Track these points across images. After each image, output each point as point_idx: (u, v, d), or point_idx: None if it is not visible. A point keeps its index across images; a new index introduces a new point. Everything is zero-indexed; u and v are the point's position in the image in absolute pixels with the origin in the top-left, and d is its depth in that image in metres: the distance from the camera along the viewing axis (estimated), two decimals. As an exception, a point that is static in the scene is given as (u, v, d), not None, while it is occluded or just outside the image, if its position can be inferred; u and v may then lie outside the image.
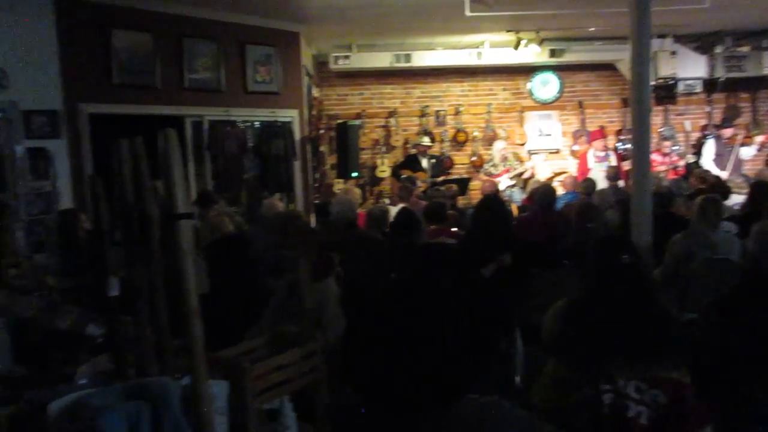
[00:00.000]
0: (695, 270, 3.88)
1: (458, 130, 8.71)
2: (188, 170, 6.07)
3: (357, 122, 7.92)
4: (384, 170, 8.44)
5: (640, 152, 4.09)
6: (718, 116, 8.54)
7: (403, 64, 8.14)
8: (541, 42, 7.55)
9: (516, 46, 7.51)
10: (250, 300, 2.68)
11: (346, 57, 8.11)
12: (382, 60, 8.16)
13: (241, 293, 2.67)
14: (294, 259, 3.02)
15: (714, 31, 7.95)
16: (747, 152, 7.86)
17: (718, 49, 8.05)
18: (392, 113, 8.74)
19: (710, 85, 8.29)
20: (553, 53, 8.03)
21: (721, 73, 8.04)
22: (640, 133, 4.07)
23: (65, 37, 5.57)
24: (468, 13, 5.97)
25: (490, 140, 8.63)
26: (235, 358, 1.48)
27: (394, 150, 8.72)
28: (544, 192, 5.03)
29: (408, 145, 8.65)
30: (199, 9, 6.16)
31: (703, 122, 8.67)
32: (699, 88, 8.22)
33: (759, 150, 8.13)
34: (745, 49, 8.12)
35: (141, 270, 1.42)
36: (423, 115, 8.73)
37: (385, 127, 8.78)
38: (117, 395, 1.25)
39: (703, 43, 8.18)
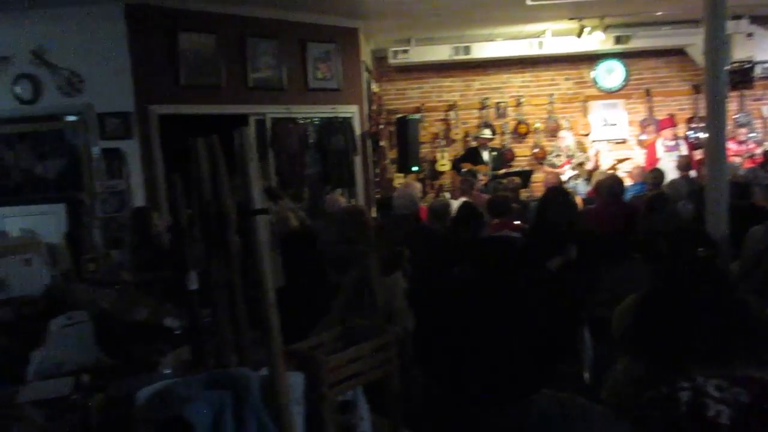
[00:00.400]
0: (777, 263, 3.69)
1: (519, 122, 8.57)
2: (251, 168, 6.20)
3: (416, 116, 7.90)
4: (444, 164, 8.40)
5: (715, 140, 3.91)
6: (798, 101, 8.10)
7: (462, 57, 8.07)
8: (605, 29, 7.33)
9: (579, 34, 7.32)
10: (316, 295, 2.73)
11: (405, 51, 8.10)
12: (441, 53, 8.11)
13: (307, 288, 2.71)
14: (360, 254, 3.05)
15: (794, 10, 7.53)
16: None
17: (799, 29, 7.62)
18: (452, 106, 8.68)
19: (790, 67, 7.87)
20: (618, 40, 7.79)
21: (802, 55, 7.62)
22: (714, 120, 3.89)
23: (135, 41, 5.80)
24: (529, 2, 5.87)
25: (552, 131, 8.45)
26: (311, 351, 1.51)
27: (454, 143, 8.67)
28: (612, 183, 4.89)
29: (468, 138, 8.58)
30: (260, 9, 6.29)
31: (782, 107, 8.24)
32: (778, 72, 7.81)
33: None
34: (828, 27, 7.66)
35: (219, 265, 1.46)
36: (483, 107, 8.63)
37: (445, 120, 8.73)
38: (200, 385, 1.30)
39: (782, 23, 7.77)
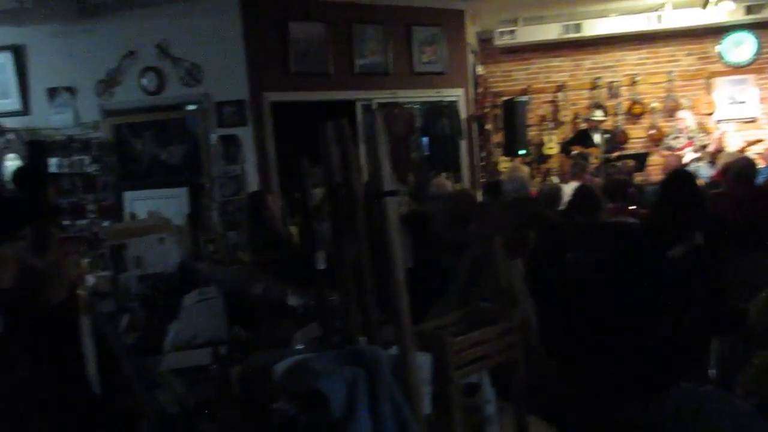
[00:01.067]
0: None
1: (634, 102, 8.11)
2: (360, 152, 6.34)
3: (524, 98, 7.70)
4: (552, 147, 8.13)
5: None
6: None
7: (572, 35, 7.74)
8: None
9: (704, 5, 6.80)
10: (430, 277, 2.73)
11: (512, 32, 7.89)
12: (549, 32, 7.83)
13: (422, 270, 2.72)
14: (475, 237, 3.02)
15: None
16: None
17: None
18: (560, 87, 8.37)
19: None
20: (749, 10, 7.16)
21: None
22: None
23: (249, 32, 6.04)
24: None
25: (670, 111, 7.93)
26: (438, 331, 1.51)
27: (563, 126, 8.36)
28: (743, 165, 4.52)
29: (578, 120, 8.24)
30: (367, -5, 6.34)
31: None
32: None
33: None
34: None
35: (348, 245, 1.50)
36: (594, 87, 8.25)
37: (553, 102, 8.44)
38: (334, 361, 1.34)
39: None
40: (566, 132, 8.25)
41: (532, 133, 8.17)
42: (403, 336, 1.36)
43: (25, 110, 6.66)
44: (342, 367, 1.31)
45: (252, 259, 4.95)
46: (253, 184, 6.11)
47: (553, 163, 8.11)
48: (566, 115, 8.29)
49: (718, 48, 7.90)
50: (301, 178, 1.65)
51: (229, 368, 1.60)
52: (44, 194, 4.44)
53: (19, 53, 6.57)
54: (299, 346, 1.63)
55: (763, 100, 7.86)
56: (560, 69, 8.40)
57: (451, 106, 6.81)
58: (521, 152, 7.33)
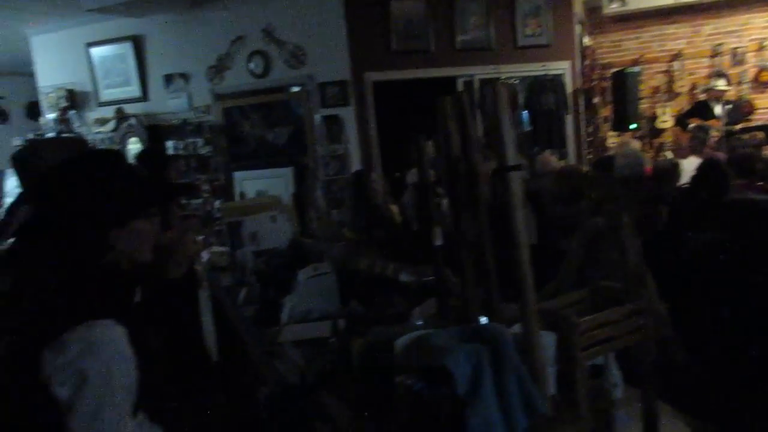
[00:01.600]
0: None
1: (761, 69, 7.43)
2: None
3: (635, 69, 7.26)
4: (665, 120, 7.64)
5: None
6: None
7: (690, -1, 7.20)
8: None
9: None
10: (542, 255, 2.65)
11: (622, -1, 7.45)
12: (664, -3, 7.32)
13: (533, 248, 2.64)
14: (587, 214, 2.90)
15: None
16: None
17: None
18: (676, 56, 7.81)
19: None
20: None
21: None
22: None
23: (351, 11, 6.09)
24: None
25: None
26: (564, 311, 1.46)
27: (678, 97, 7.82)
28: None
29: (696, 91, 7.68)
30: (470, -33, 6.20)
31: None
32: None
33: None
34: None
35: (468, 221, 1.47)
36: (715, 55, 7.63)
37: (667, 72, 7.90)
38: (457, 337, 1.33)
39: None
40: (682, 104, 7.72)
41: (643, 105, 7.71)
42: (527, 314, 1.33)
43: (144, 96, 7.11)
44: (466, 344, 1.29)
45: (356, 236, 5.04)
46: (355, 163, 6.20)
47: (667, 138, 7.63)
48: (682, 86, 7.75)
49: None
50: (407, 156, 1.64)
51: (350, 342, 1.63)
52: (166, 175, 4.74)
53: (138, 43, 7.00)
54: (419, 322, 1.64)
55: None
56: (676, 36, 7.83)
57: (556, 80, 6.55)
58: (632, 126, 6.94)
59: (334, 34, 6.14)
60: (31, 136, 7.76)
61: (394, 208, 5.27)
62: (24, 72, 9.05)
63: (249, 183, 6.83)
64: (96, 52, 7.18)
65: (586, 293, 1.64)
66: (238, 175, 6.85)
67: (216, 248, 6.57)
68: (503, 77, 6.37)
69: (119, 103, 7.12)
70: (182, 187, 3.96)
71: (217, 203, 6.90)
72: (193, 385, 1.70)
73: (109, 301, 1.46)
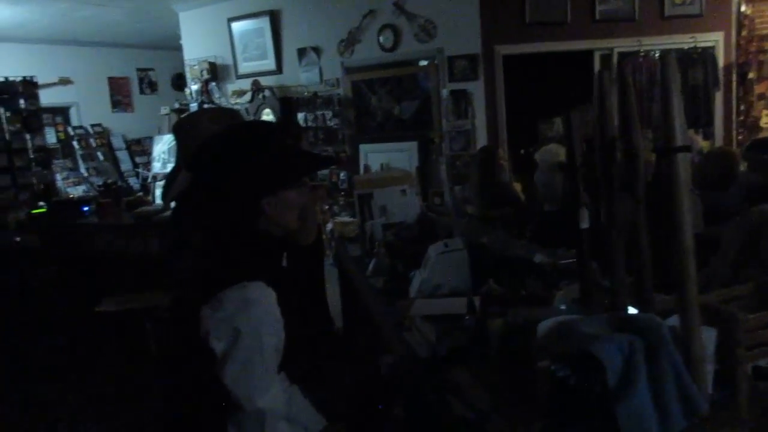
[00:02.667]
0: None
1: None
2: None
3: (801, 41, 6.50)
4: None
5: None
6: None
7: None
8: None
9: None
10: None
11: (791, -40, 6.64)
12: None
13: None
14: (742, 201, 2.66)
15: None
16: None
17: None
18: None
19: None
20: None
21: None
22: None
23: (484, -17, 5.93)
24: None
25: None
26: (728, 306, 1.35)
27: None
28: None
29: None
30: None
31: None
32: None
33: None
34: None
35: (622, 204, 1.39)
36: None
37: (839, 44, 6.99)
38: (606, 325, 1.27)
39: None
40: None
41: (807, 82, 6.89)
42: (688, 307, 1.23)
43: (278, 69, 7.40)
44: (617, 334, 1.23)
45: (479, 213, 4.97)
46: (481, 138, 6.10)
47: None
48: None
49: None
50: (568, 131, 1.56)
51: (487, 321, 1.61)
52: (298, 146, 4.88)
53: (274, 17, 7.28)
54: (562, 306, 1.58)
55: None
56: None
57: (706, 53, 6.01)
58: (793, 105, 6.24)
59: (465, 7, 6.02)
60: (176, 105, 8.37)
61: (518, 186, 5.13)
62: (170, 46, 9.76)
63: (373, 156, 6.94)
64: (236, 26, 7.56)
65: (751, 288, 1.50)
66: (363, 147, 6.98)
67: (338, 218, 6.79)
68: (644, 50, 5.95)
69: (255, 76, 7.47)
70: (328, 158, 4.10)
71: (342, 175, 7.09)
72: (317, 348, 1.76)
73: (260, 265, 1.54)
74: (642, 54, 5.94)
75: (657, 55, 6.01)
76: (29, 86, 7.13)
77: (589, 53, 6.00)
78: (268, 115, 7.33)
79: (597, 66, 6.01)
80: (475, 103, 6.14)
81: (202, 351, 1.41)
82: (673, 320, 1.33)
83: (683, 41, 5.97)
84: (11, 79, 7.02)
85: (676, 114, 1.23)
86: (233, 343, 1.40)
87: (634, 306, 1.45)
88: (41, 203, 6.62)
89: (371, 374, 2.24)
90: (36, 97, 7.19)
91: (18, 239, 6.17)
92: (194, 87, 7.91)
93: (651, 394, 1.15)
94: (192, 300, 1.48)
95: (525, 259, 2.20)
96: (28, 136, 7.04)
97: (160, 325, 3.83)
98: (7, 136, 6.80)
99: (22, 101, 7.03)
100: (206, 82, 7.78)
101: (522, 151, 6.75)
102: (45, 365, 4.54)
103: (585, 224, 1.56)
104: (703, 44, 6.00)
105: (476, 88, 6.11)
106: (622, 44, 5.96)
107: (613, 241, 1.43)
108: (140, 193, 6.92)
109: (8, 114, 6.90)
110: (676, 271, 1.24)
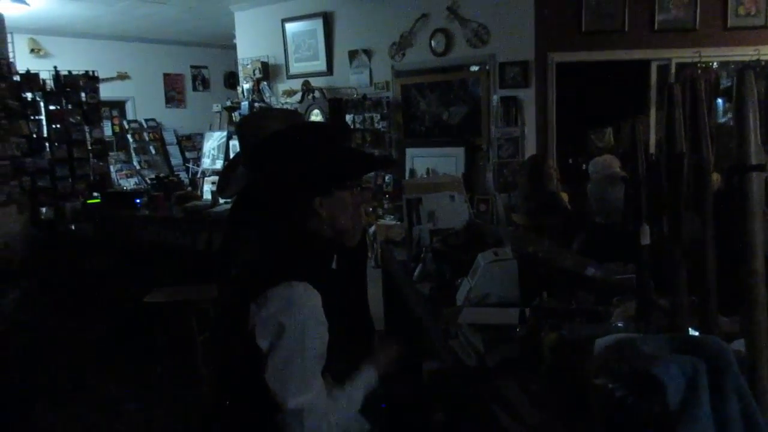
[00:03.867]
0: None
1: None
2: (650, 117, 5.80)
3: None
4: None
5: None
6: None
7: None
8: None
9: None
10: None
11: None
12: None
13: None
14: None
15: None
16: None
17: None
18: None
19: None
20: None
21: None
22: None
23: (540, -11, 5.86)
24: None
25: None
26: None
27: None
28: None
29: None
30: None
31: None
32: None
33: None
34: None
35: (688, 221, 1.35)
36: None
37: None
38: (667, 345, 1.23)
39: None
40: None
41: None
42: (756, 332, 1.18)
43: (329, 71, 7.46)
44: (678, 355, 1.19)
45: (527, 222, 4.91)
46: (531, 146, 6.02)
47: None
48: None
49: None
50: (633, 143, 1.53)
51: (539, 333, 1.58)
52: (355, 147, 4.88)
53: (327, 19, 7.35)
54: (618, 324, 1.54)
55: None
56: None
57: (771, 67, 5.79)
58: None
59: (520, 13, 5.96)
60: (228, 103, 8.53)
61: (565, 196, 5.05)
62: (224, 45, 9.96)
63: (420, 160, 6.93)
64: (290, 27, 7.67)
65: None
66: (410, 151, 6.98)
67: (382, 221, 6.79)
68: (704, 61, 5.77)
69: (306, 77, 7.55)
70: (381, 159, 4.11)
71: (387, 177, 7.10)
72: (359, 352, 1.77)
73: (310, 265, 1.55)
74: (701, 65, 5.76)
75: (715, 66, 5.83)
76: (91, 80, 7.36)
77: (646, 63, 5.86)
78: (317, 116, 7.40)
79: (654, 77, 5.87)
80: (525, 111, 6.06)
81: (249, 346, 1.43)
82: (737, 344, 1.28)
83: (746, 53, 5.77)
84: (74, 72, 7.26)
85: (751, 131, 1.19)
86: (276, 341, 1.42)
87: (694, 328, 1.40)
88: (96, 194, 6.84)
89: (410, 379, 2.23)
90: (96, 91, 7.43)
91: (73, 227, 6.39)
92: (246, 86, 8.05)
93: (714, 420, 1.11)
94: (241, 296, 1.50)
95: (575, 271, 2.15)
96: (87, 129, 7.28)
97: (208, 318, 3.91)
98: (68, 128, 7.04)
99: (83, 95, 7.27)
100: (258, 81, 7.91)
101: (570, 161, 6.65)
102: (93, 352, 4.69)
103: (646, 240, 1.51)
104: (766, 57, 5.79)
105: (527, 96, 6.04)
106: (680, 55, 5.79)
107: (676, 259, 1.39)
108: (189, 188, 7.07)
109: (70, 106, 7.15)
110: (744, 294, 1.19)
